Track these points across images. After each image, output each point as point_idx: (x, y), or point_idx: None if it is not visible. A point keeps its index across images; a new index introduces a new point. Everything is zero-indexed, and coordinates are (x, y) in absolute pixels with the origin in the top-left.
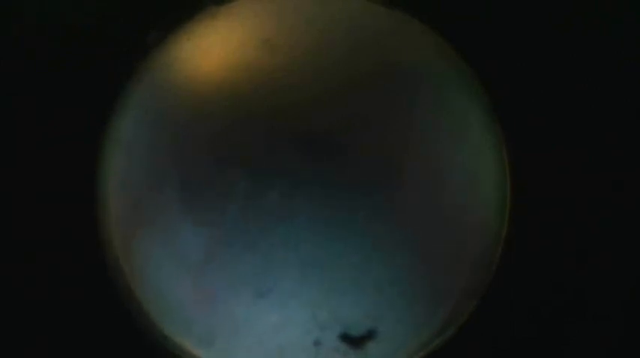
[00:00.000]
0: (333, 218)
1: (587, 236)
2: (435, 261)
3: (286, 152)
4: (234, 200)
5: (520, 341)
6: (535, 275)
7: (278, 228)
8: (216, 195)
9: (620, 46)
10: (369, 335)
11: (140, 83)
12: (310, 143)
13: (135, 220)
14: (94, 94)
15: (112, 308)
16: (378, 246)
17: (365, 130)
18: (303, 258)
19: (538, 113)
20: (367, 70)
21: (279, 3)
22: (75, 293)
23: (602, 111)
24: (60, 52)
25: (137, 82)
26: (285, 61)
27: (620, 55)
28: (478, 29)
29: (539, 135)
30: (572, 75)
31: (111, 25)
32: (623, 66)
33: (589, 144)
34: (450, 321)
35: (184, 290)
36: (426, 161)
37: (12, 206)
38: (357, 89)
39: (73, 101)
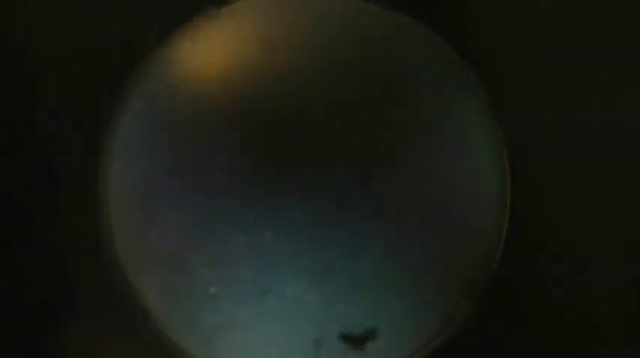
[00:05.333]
0: (332, 218)
1: (587, 236)
2: (435, 261)
3: (286, 152)
4: (234, 199)
5: (520, 341)
6: (535, 275)
7: (278, 227)
8: (217, 195)
9: (621, 47)
10: (369, 335)
11: (140, 83)
12: (310, 143)
13: (135, 220)
14: (94, 94)
15: (111, 308)
16: (377, 247)
17: (364, 131)
18: (303, 258)
19: (538, 113)
20: (367, 70)
21: (280, 5)
22: (74, 293)
23: (602, 111)
24: (59, 51)
25: (137, 82)
26: (286, 63)
27: (621, 56)
28: (478, 29)
29: (539, 135)
30: (572, 75)
31: (111, 25)
32: (624, 66)
33: (589, 144)
34: (450, 321)
35: (184, 290)
36: (425, 161)
37: (12, 206)
38: (357, 89)
39: (73, 101)
